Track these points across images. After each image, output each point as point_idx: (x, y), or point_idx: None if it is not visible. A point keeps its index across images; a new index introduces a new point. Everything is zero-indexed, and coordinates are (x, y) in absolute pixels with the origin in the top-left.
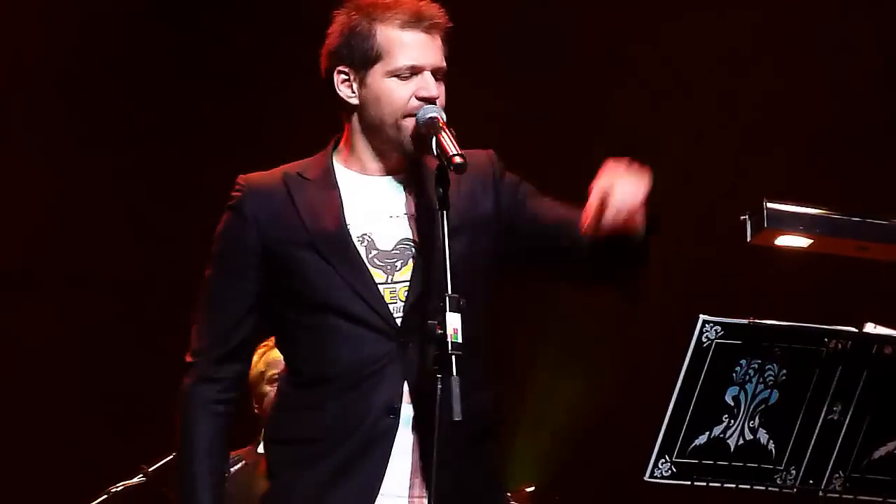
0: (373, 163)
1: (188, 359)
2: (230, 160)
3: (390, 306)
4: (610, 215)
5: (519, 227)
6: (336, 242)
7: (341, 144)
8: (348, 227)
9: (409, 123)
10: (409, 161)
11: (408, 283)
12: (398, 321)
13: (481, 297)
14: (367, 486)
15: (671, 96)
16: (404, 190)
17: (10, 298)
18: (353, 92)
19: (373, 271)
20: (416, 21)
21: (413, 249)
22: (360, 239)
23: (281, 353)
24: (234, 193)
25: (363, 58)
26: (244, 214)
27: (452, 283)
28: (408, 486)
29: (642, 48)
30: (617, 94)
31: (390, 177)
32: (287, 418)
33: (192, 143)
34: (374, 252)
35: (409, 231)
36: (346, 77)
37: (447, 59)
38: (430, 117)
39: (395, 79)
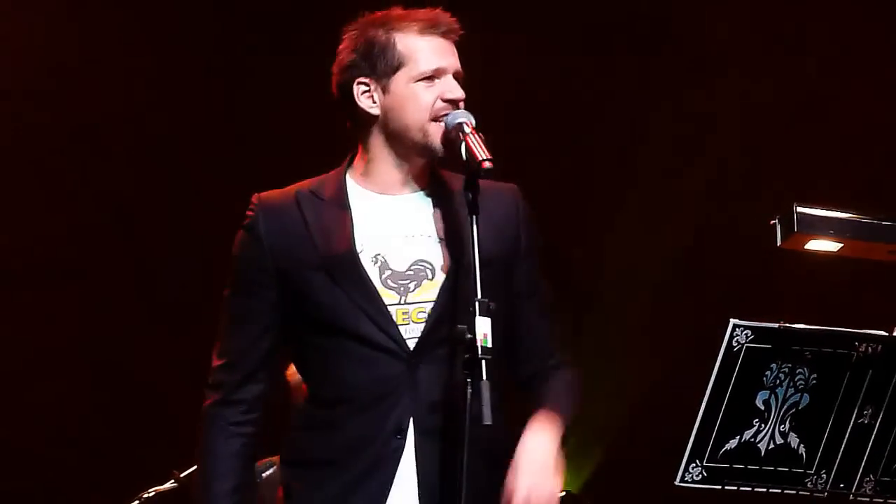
0: (390, 178)
1: (208, 380)
2: (237, 162)
3: (402, 328)
4: None
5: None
6: (345, 265)
7: (356, 161)
8: (358, 248)
9: (436, 128)
10: (426, 178)
11: (420, 305)
12: (409, 343)
13: (497, 332)
14: None
15: (699, 98)
16: (420, 209)
17: (36, 296)
18: (375, 102)
19: (386, 292)
20: (434, 27)
21: (427, 271)
22: (374, 259)
23: (299, 373)
24: (248, 213)
25: (384, 67)
26: (257, 234)
27: (481, 290)
28: None
29: (673, 50)
30: (644, 99)
31: (406, 195)
32: (300, 438)
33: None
34: (387, 273)
35: (424, 252)
36: (367, 88)
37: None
38: (459, 122)
39: (420, 83)
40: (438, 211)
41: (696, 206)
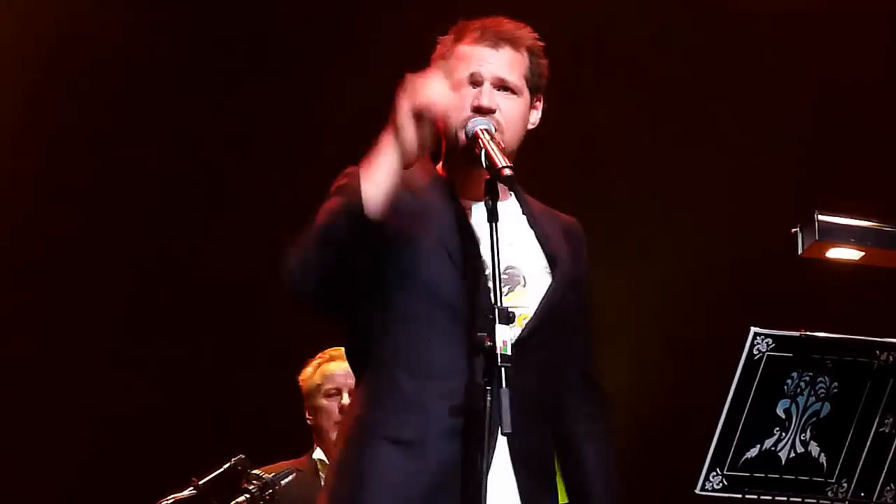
0: (464, 185)
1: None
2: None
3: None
4: None
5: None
6: (466, 246)
7: (440, 162)
8: (479, 238)
9: (463, 137)
10: (503, 189)
11: (510, 309)
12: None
13: (564, 358)
14: None
15: (720, 105)
16: (505, 219)
17: (38, 296)
18: None
19: None
20: (483, 36)
21: (520, 277)
22: None
23: (363, 352)
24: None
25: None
26: None
27: (501, 297)
28: None
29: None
30: (659, 108)
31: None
32: (387, 408)
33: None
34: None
35: (514, 259)
36: None
37: (539, 77)
38: (476, 130)
39: (457, 91)
40: (522, 224)
41: (716, 213)
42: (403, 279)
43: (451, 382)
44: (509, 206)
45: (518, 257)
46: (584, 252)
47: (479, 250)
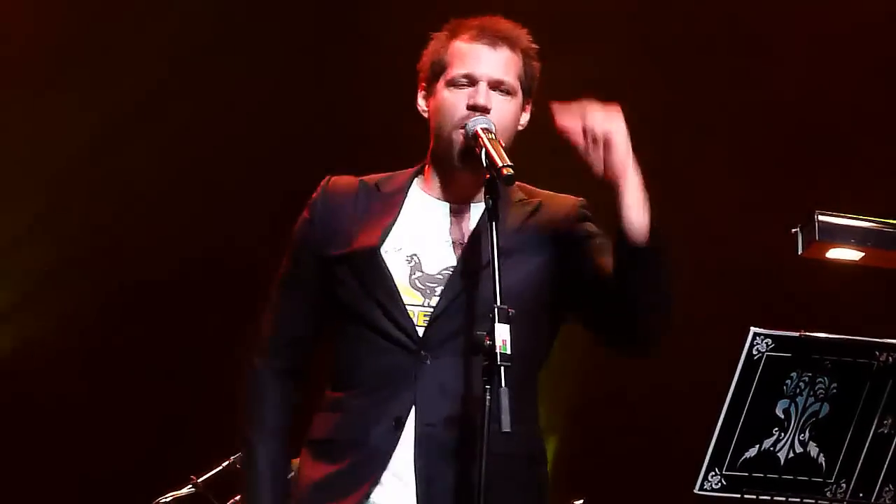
0: (443, 185)
1: (256, 343)
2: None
3: (419, 329)
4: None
5: (577, 267)
6: (364, 258)
7: (426, 165)
8: (396, 246)
9: (459, 136)
10: (479, 189)
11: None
12: (422, 338)
13: (525, 329)
14: (358, 486)
15: (720, 105)
16: (469, 219)
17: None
18: (427, 107)
19: (411, 291)
20: (481, 34)
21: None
22: (409, 259)
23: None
24: (314, 194)
25: (434, 70)
26: (313, 214)
27: (501, 296)
28: (405, 499)
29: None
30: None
31: (462, 204)
32: (316, 420)
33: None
34: (418, 274)
35: (456, 259)
36: (423, 91)
37: (532, 80)
38: (477, 129)
39: (451, 88)
40: (485, 222)
41: (716, 213)
42: (331, 296)
43: (365, 386)
44: (478, 208)
45: (458, 256)
46: (568, 218)
47: (377, 257)
